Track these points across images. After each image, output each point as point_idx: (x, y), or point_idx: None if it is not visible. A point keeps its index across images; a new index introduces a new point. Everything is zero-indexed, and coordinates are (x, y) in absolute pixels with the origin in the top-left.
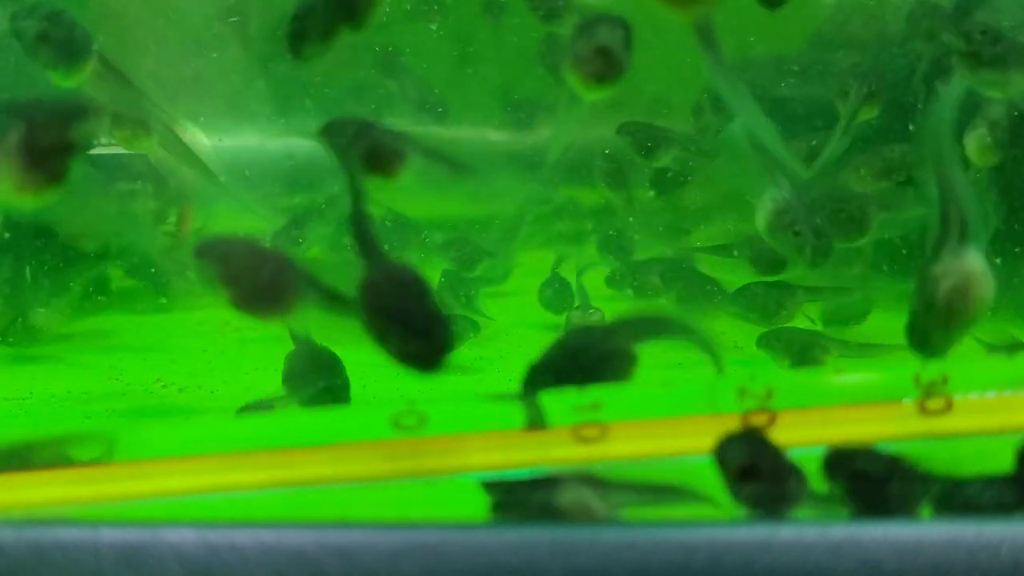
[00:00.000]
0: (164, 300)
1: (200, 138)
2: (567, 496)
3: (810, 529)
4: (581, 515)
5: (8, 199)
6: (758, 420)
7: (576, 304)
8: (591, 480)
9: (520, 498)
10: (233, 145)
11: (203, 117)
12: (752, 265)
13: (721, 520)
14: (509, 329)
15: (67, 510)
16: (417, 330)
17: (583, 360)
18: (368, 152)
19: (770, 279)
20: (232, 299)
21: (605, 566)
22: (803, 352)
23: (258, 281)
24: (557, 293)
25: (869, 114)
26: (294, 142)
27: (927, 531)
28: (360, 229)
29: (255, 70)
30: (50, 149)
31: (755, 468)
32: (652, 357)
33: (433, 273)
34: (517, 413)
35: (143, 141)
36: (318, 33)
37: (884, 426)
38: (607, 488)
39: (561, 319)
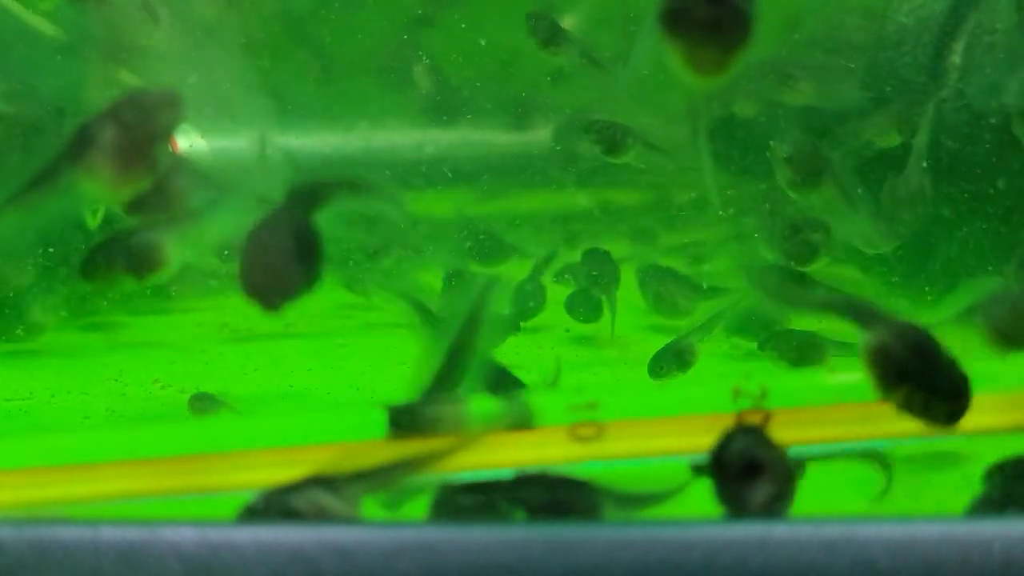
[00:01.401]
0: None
1: (198, 141)
2: (301, 500)
3: (805, 527)
4: (317, 514)
5: (107, 196)
6: (753, 420)
7: None
8: (324, 480)
9: (264, 504)
10: (233, 147)
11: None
12: (782, 255)
13: (718, 518)
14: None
15: (67, 509)
16: (945, 392)
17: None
18: (129, 265)
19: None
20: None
21: (603, 564)
22: (802, 352)
23: (267, 269)
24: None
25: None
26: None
27: (920, 529)
28: (848, 305)
29: (254, 71)
30: (143, 142)
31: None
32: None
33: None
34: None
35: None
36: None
37: (879, 426)
38: (339, 484)
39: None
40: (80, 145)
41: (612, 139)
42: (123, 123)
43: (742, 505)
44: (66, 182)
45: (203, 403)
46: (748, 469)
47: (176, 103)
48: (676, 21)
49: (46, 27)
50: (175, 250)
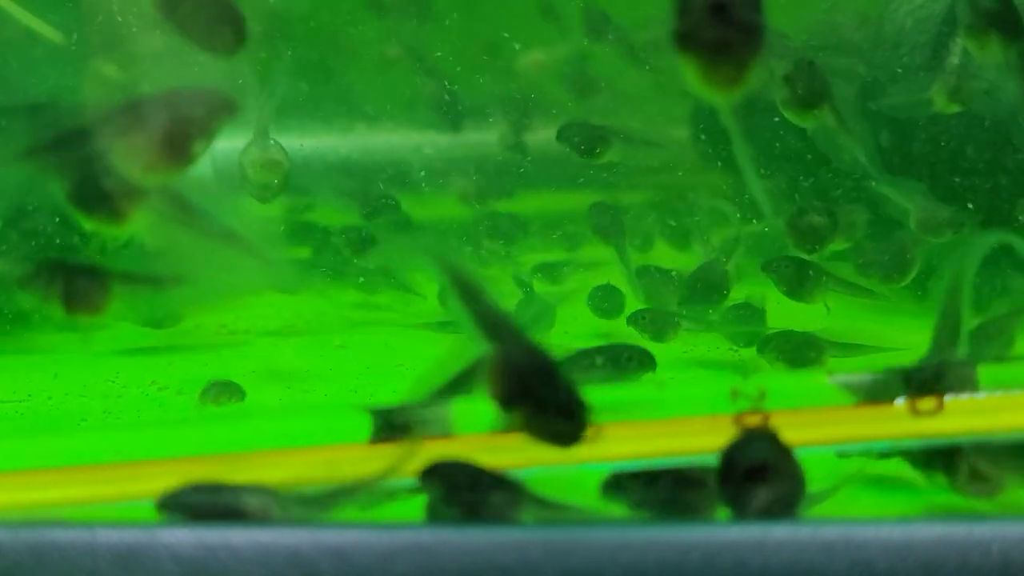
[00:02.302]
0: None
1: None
2: (227, 496)
3: (803, 529)
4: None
5: (138, 178)
6: (751, 421)
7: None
8: (264, 489)
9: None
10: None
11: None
12: (791, 241)
13: (715, 520)
14: None
15: (64, 511)
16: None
17: None
18: (65, 295)
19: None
20: None
21: (600, 566)
22: (800, 354)
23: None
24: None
25: None
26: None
27: (918, 530)
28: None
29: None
30: (189, 136)
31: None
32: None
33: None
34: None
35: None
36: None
37: (876, 427)
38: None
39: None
40: (126, 120)
41: (586, 141)
42: (178, 112)
43: (748, 510)
44: (95, 150)
45: (218, 392)
46: (755, 473)
47: (232, 108)
48: (686, 42)
49: (44, 28)
50: (116, 305)
